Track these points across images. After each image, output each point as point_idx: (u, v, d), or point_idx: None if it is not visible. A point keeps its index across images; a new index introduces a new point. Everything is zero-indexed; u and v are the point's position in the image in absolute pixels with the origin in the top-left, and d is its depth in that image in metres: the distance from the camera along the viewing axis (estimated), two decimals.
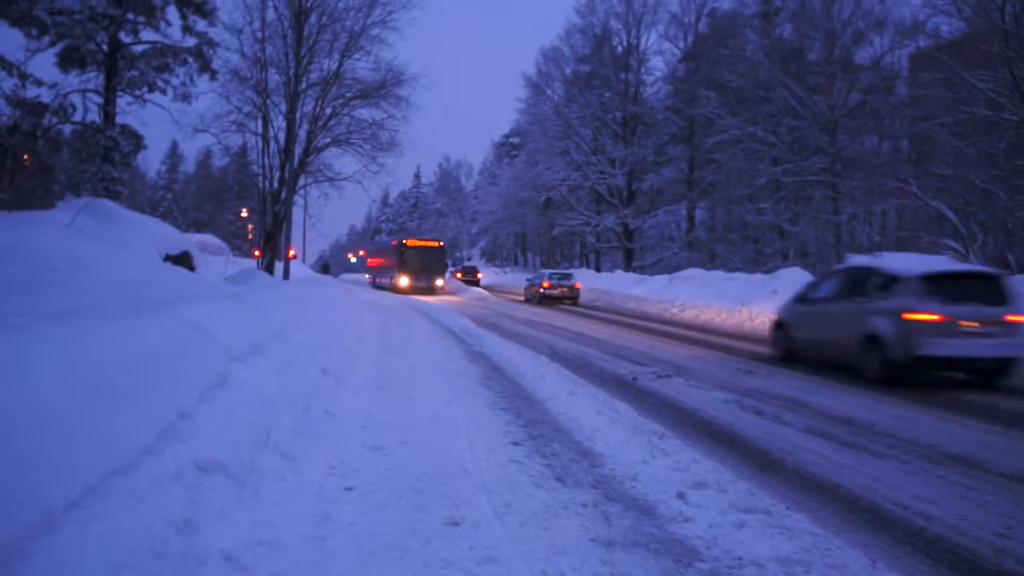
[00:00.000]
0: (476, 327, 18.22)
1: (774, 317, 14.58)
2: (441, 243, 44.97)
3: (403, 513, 4.73)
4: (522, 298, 37.36)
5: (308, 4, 27.23)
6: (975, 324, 10.42)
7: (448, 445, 6.47)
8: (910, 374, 10.66)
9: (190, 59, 21.41)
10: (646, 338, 17.48)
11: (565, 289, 33.48)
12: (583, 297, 34.45)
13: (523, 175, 58.46)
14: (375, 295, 30.44)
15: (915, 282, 10.75)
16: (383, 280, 45.05)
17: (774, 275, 25.13)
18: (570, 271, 40.03)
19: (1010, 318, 10.57)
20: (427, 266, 39.91)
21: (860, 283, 11.91)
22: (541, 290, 33.74)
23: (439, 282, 40.46)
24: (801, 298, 13.69)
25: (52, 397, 3.41)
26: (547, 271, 38.08)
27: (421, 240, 44.65)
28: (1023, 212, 24.96)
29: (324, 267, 72.98)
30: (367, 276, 57.95)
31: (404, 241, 42.21)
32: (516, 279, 55.83)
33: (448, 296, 38.88)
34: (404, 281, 39.08)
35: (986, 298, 10.70)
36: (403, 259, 39.94)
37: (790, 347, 13.27)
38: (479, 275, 59.68)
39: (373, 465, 5.76)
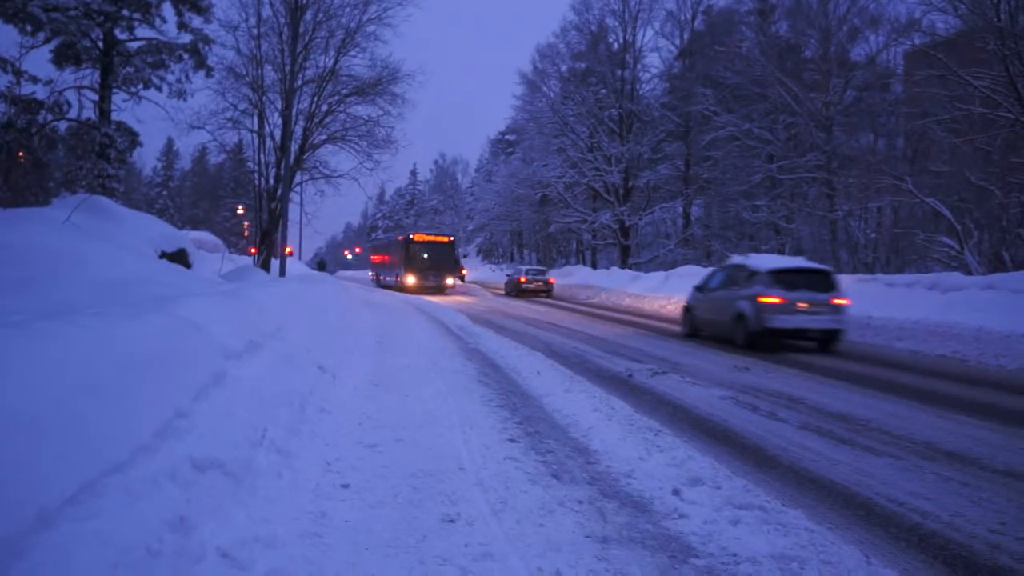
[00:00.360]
0: (472, 324, 18.22)
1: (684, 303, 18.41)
2: (451, 238, 40.34)
3: (399, 510, 4.74)
4: (503, 291, 41.46)
5: (304, 1, 27.15)
6: (806, 305, 14.24)
7: (444, 442, 6.48)
8: (764, 341, 14.36)
9: (186, 56, 21.40)
10: (642, 335, 17.50)
11: (540, 283, 38.49)
12: (580, 295, 35.92)
13: (519, 172, 58.36)
14: (374, 294, 30.41)
15: (766, 275, 14.60)
16: (388, 278, 42.27)
17: None
18: (543, 268, 45.21)
19: (835, 301, 14.49)
20: (436, 263, 37.00)
21: (735, 276, 15.75)
22: (520, 284, 38.53)
23: (449, 280, 37.69)
24: (700, 288, 17.31)
25: (48, 395, 3.42)
26: (524, 267, 44.03)
27: (429, 235, 39.64)
28: (1018, 209, 24.99)
29: (320, 264, 72.75)
30: (370, 273, 54.20)
31: (411, 236, 38.45)
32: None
33: (458, 297, 36.15)
34: (411, 280, 36.49)
35: (817, 286, 14.51)
36: (410, 255, 37.12)
37: (694, 325, 17.23)
38: (464, 271, 60.27)
39: (369, 462, 5.76)
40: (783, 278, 14.43)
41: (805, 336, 14.76)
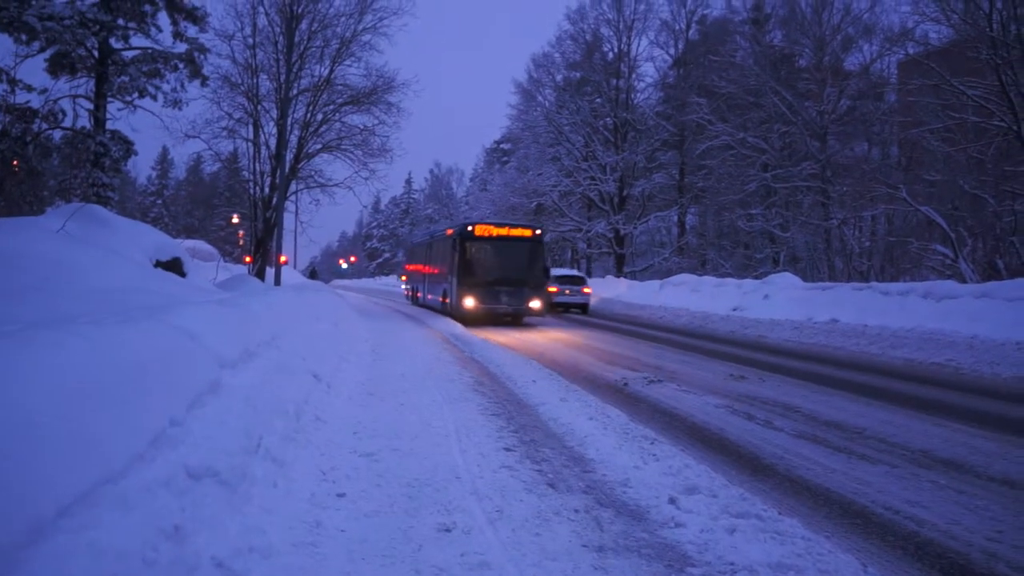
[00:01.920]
0: (467, 331, 18.20)
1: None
2: (536, 231, 24.37)
3: (395, 519, 4.72)
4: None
5: (299, 10, 27.14)
6: (568, 291, 30.24)
7: (440, 451, 6.46)
8: (553, 309, 26.48)
9: (181, 65, 21.42)
10: (636, 343, 17.50)
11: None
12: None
13: (514, 181, 58.34)
14: (374, 306, 30.10)
15: (554, 277, 28.36)
16: (431, 295, 28.49)
17: (765, 280, 25.21)
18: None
19: (584, 290, 30.74)
20: (511, 273, 22.80)
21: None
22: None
23: (534, 303, 22.83)
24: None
25: (42, 404, 3.40)
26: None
27: (501, 226, 24.09)
28: (1012, 217, 25.09)
29: (312, 273, 72.57)
30: (405, 288, 41.09)
31: (470, 228, 23.47)
32: None
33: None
34: (469, 301, 22.36)
35: (575, 282, 31.13)
36: (467, 261, 22.80)
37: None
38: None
39: (365, 471, 5.75)
40: (560, 279, 30.47)
41: (571, 307, 30.84)
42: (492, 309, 22.61)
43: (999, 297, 15.65)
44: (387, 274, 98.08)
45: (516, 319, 23.83)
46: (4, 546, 2.62)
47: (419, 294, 32.19)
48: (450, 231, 25.39)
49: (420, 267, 32.14)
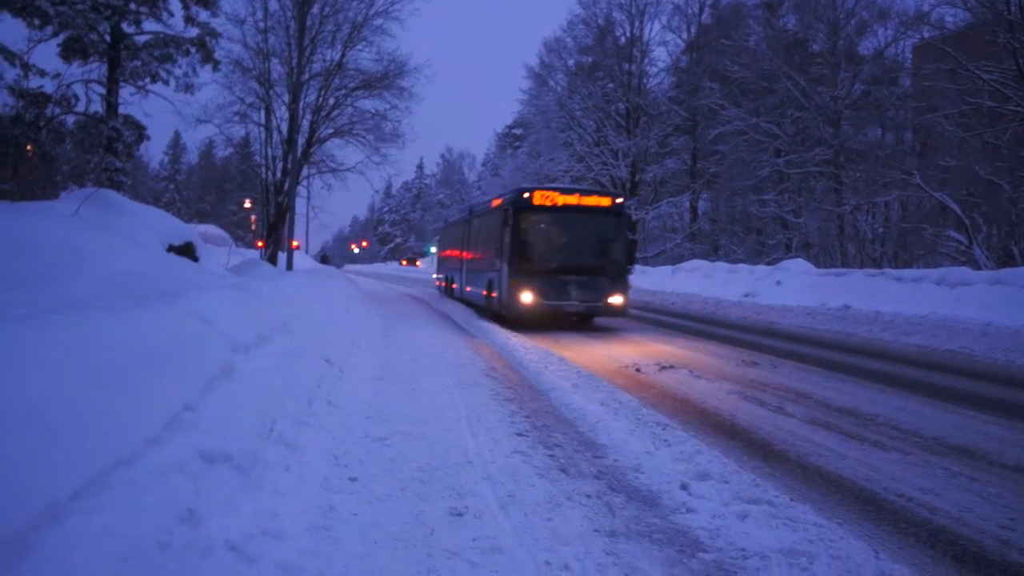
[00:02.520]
0: (479, 318, 18.20)
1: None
2: (618, 199, 17.97)
3: (407, 503, 4.74)
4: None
5: None
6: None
7: (452, 436, 6.48)
8: None
9: (192, 49, 21.37)
10: (648, 328, 17.45)
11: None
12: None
13: (526, 166, 58.23)
14: (382, 288, 29.91)
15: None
16: (469, 286, 22.08)
17: (777, 266, 25.12)
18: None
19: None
20: (584, 257, 17.29)
21: None
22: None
23: (615, 299, 17.08)
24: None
25: (58, 388, 3.42)
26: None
27: (568, 193, 17.86)
28: None
29: (323, 258, 72.80)
30: (436, 276, 31.94)
31: (527, 195, 17.31)
32: None
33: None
34: (526, 295, 16.54)
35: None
36: (523, 240, 16.95)
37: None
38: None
39: (377, 456, 5.77)
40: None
41: None
42: (557, 307, 16.63)
43: (1014, 284, 15.55)
44: (398, 259, 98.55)
45: (587, 319, 18.23)
46: (19, 528, 2.64)
47: (454, 285, 24.71)
48: (497, 201, 19.23)
49: (455, 252, 25.10)
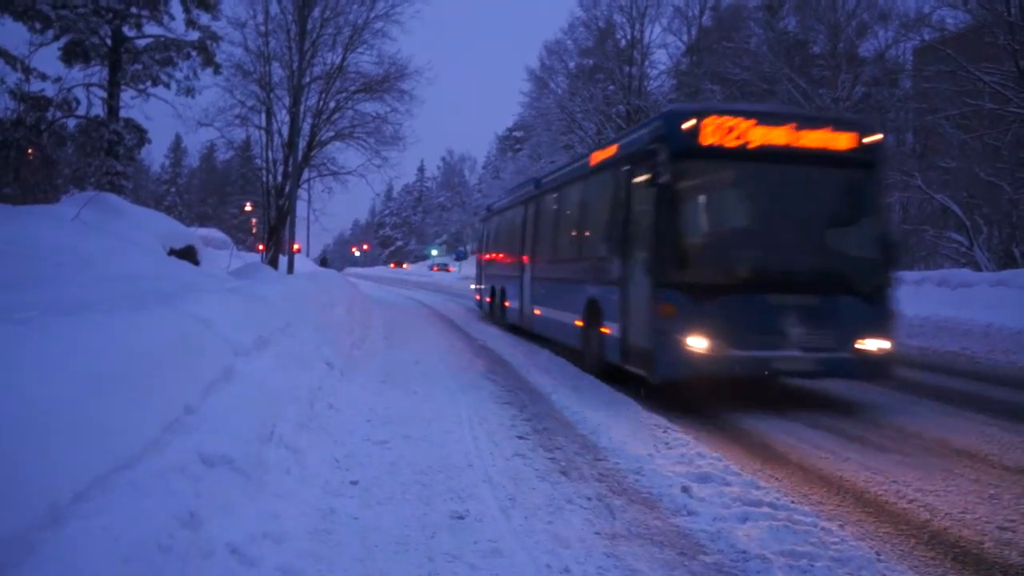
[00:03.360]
0: (479, 320, 18.20)
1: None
2: (865, 138, 8.41)
3: (408, 507, 4.75)
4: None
5: None
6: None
7: (453, 439, 6.49)
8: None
9: (193, 53, 21.44)
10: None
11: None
12: None
13: (526, 169, 58.23)
14: (384, 292, 29.79)
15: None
16: (540, 309, 13.90)
17: None
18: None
19: None
20: (806, 258, 8.58)
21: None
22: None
23: (875, 342, 8.31)
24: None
25: (58, 390, 3.42)
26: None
27: (771, 120, 8.23)
28: None
29: (323, 261, 72.84)
30: (476, 288, 23.27)
31: (691, 121, 8.02)
32: None
33: None
34: (699, 340, 7.81)
35: None
36: (686, 221, 8.25)
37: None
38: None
39: (378, 459, 5.77)
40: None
41: None
42: (760, 363, 8.24)
43: (1015, 285, 15.54)
44: (399, 263, 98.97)
45: (811, 380, 9.80)
46: (21, 530, 2.64)
47: (507, 303, 17.09)
48: (610, 149, 10.78)
49: (506, 255, 17.62)
